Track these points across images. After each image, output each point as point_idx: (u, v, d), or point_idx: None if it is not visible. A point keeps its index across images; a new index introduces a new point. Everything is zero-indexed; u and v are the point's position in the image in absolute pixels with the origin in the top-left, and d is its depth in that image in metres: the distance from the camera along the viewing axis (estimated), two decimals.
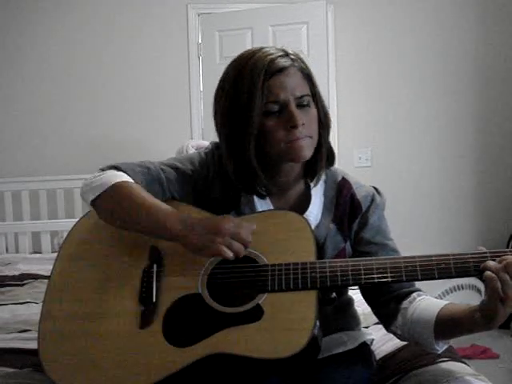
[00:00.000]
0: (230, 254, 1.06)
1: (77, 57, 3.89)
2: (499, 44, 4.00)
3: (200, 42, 3.96)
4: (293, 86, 1.16)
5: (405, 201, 3.93)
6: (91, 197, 1.18)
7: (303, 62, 1.21)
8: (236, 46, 3.64)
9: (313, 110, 1.19)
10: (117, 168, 1.22)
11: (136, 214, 1.13)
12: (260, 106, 1.14)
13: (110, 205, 1.17)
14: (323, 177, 1.30)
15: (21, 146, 3.86)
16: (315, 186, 1.27)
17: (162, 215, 1.11)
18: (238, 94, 1.17)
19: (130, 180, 1.19)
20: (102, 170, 1.22)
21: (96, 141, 3.90)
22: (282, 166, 1.23)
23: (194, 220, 1.10)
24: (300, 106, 1.17)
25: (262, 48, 1.20)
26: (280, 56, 1.17)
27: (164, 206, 1.14)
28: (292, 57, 1.19)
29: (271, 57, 1.16)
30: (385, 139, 4.04)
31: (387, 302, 1.22)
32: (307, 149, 1.18)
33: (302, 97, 1.17)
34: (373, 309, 1.29)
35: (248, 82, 1.15)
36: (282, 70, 1.15)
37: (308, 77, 1.20)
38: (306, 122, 1.17)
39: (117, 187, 1.16)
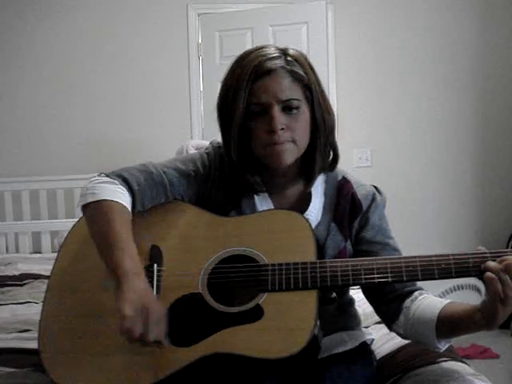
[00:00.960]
0: (130, 326, 0.98)
1: (77, 57, 3.88)
2: (501, 44, 4.00)
3: (200, 41, 3.96)
4: (278, 89, 1.15)
5: (405, 201, 3.93)
6: (82, 202, 1.16)
7: (302, 64, 1.19)
8: (236, 46, 3.65)
9: (302, 115, 1.18)
10: (122, 177, 1.19)
11: (103, 238, 1.11)
12: (242, 107, 1.15)
13: (91, 217, 1.15)
14: (323, 176, 1.30)
15: (21, 146, 3.86)
16: (308, 189, 1.27)
17: (121, 252, 1.07)
18: (226, 92, 1.19)
19: (124, 202, 1.15)
20: (107, 175, 1.20)
21: (96, 141, 3.90)
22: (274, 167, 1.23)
23: (143, 282, 1.06)
24: (286, 109, 1.16)
25: (260, 48, 1.20)
26: (272, 58, 1.16)
27: (130, 247, 1.09)
28: (288, 58, 1.18)
29: (261, 58, 1.16)
30: (385, 139, 4.04)
31: (389, 302, 1.22)
32: (287, 154, 1.17)
33: (288, 100, 1.16)
34: (375, 308, 1.29)
35: (235, 82, 1.16)
36: (268, 72, 1.15)
37: (301, 80, 1.18)
38: (291, 126, 1.16)
39: (103, 205, 1.13)
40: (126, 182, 1.19)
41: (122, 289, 1.02)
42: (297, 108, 1.17)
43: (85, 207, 1.16)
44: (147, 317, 1.00)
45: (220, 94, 1.23)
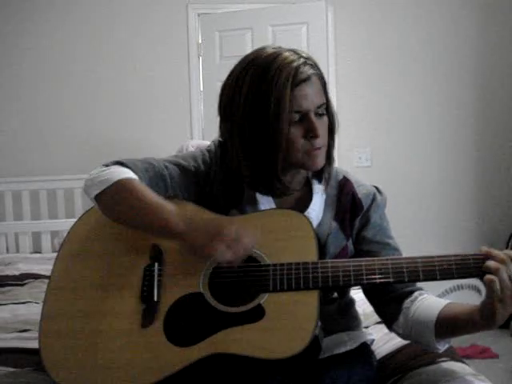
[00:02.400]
0: (224, 258, 1.05)
1: (77, 57, 3.89)
2: (501, 44, 4.00)
3: (200, 42, 3.96)
4: (314, 95, 1.17)
5: (405, 201, 3.93)
6: (95, 192, 1.17)
7: (318, 66, 1.21)
8: (236, 46, 3.66)
9: (326, 119, 1.21)
10: (121, 163, 1.21)
11: (139, 212, 1.13)
12: (287, 116, 1.14)
13: (113, 200, 1.16)
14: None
15: (21, 145, 3.86)
16: (325, 188, 1.28)
17: (165, 214, 1.11)
18: (262, 100, 1.15)
19: (135, 177, 1.18)
20: (106, 165, 1.21)
21: (96, 141, 3.90)
22: (291, 170, 1.24)
23: (198, 220, 1.10)
24: (317, 115, 1.18)
25: (279, 52, 1.17)
26: (302, 64, 1.16)
27: (168, 205, 1.13)
28: (310, 62, 1.18)
29: (295, 64, 1.15)
30: (385, 139, 4.04)
31: (389, 302, 1.22)
32: (322, 158, 1.20)
33: (320, 106, 1.18)
34: (375, 308, 1.29)
35: (275, 91, 1.13)
36: (306, 79, 1.16)
37: (324, 84, 1.21)
38: (322, 131, 1.18)
39: (122, 183, 1.15)
40: (130, 170, 1.20)
41: (188, 241, 1.08)
42: (323, 113, 1.20)
43: (99, 195, 1.16)
44: (224, 241, 1.04)
45: (247, 100, 1.16)
